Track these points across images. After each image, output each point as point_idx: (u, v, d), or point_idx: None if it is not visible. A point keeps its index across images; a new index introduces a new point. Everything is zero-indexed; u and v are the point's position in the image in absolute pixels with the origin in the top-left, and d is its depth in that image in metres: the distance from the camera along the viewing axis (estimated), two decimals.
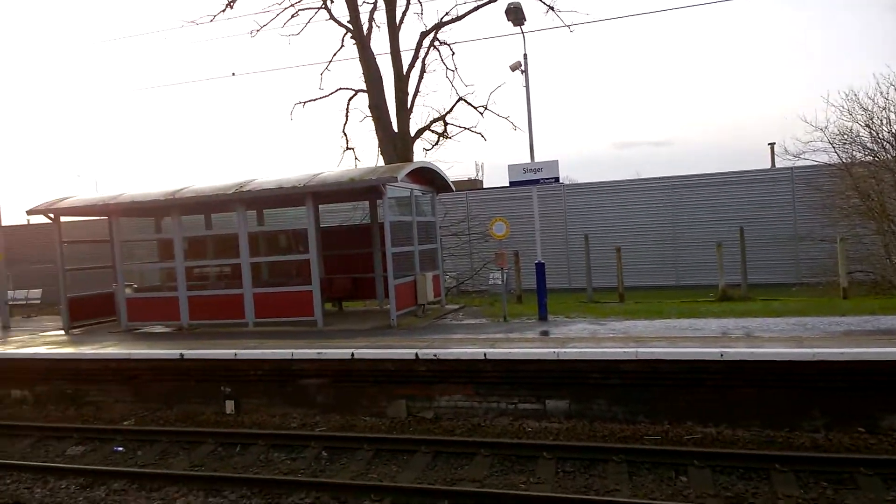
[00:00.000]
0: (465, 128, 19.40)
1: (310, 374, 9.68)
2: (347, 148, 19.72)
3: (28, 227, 25.64)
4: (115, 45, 76.10)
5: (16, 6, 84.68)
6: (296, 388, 9.81)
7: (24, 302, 18.51)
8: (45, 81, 72.28)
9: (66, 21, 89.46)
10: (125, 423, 9.94)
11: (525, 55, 13.41)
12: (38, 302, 18.75)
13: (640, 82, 74.63)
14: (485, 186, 32.49)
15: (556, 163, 12.55)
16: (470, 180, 33.40)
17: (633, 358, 8.31)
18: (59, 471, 7.87)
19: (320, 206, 14.86)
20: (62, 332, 13.94)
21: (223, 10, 18.35)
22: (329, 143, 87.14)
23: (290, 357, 9.73)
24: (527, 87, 13.45)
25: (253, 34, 18.57)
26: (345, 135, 19.63)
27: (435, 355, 8.96)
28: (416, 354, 9.04)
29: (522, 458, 7.39)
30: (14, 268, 18.11)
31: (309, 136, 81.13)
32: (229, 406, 10.03)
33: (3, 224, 16.98)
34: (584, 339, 9.61)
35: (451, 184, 14.82)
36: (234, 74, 29.01)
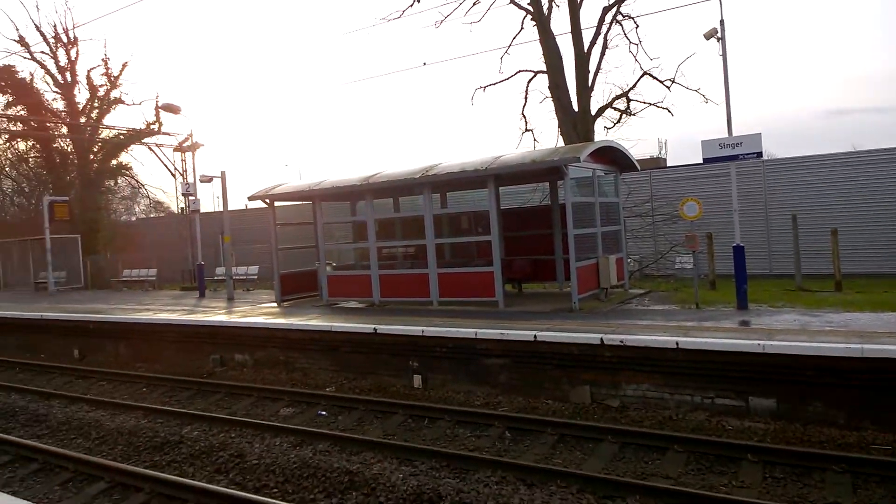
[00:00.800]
0: (650, 103, 18.28)
1: (493, 353, 9.82)
2: (526, 130, 19.62)
3: (246, 211, 29.22)
4: (315, 47, 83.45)
5: (231, 12, 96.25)
6: (479, 366, 10.01)
7: (245, 277, 21.13)
8: (262, 81, 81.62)
9: (273, 25, 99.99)
10: (327, 389, 10.90)
11: (721, 21, 12.21)
12: (256, 277, 21.29)
13: (853, 40, 64.77)
14: (669, 164, 30.47)
15: (758, 136, 11.29)
16: (653, 158, 31.56)
17: (859, 356, 7.23)
18: (274, 429, 8.83)
19: (500, 188, 14.96)
20: (275, 304, 15.68)
21: (411, 5, 19.13)
22: (508, 126, 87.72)
23: (473, 336, 9.94)
24: (724, 55, 12.24)
25: (437, 25, 19.15)
26: (524, 117, 19.54)
27: (621, 341, 8.58)
28: (601, 339, 8.72)
29: (723, 458, 6.81)
30: (235, 247, 20.74)
31: (489, 121, 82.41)
32: (417, 380, 10.54)
33: (229, 209, 19.49)
34: (793, 332, 8.57)
35: (635, 162, 14.06)
36: (424, 64, 30.13)
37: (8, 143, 38.39)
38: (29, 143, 36.65)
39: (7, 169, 42.99)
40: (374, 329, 10.98)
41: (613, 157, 13.40)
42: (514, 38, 18.73)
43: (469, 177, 12.60)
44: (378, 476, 6.89)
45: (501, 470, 6.84)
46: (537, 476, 6.62)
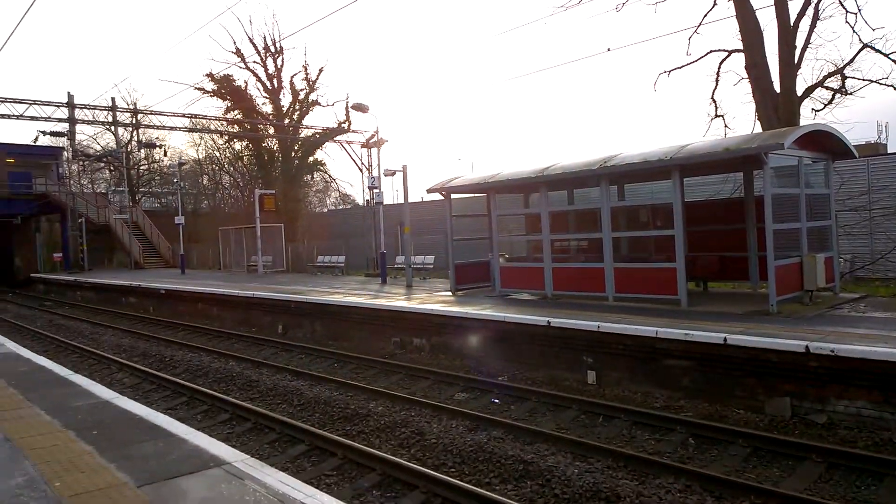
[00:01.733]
0: (871, 80, 15.94)
1: (675, 354, 9.26)
2: (716, 116, 18.19)
3: (424, 203, 30.66)
4: (490, 40, 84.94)
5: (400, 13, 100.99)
6: (659, 367, 9.51)
7: (422, 266, 22.20)
8: (440, 77, 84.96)
9: (450, 21, 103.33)
10: (500, 378, 11.07)
11: None
12: (432, 267, 22.26)
13: None
14: (890, 151, 26.40)
15: None
16: (870, 144, 27.59)
17: None
18: (451, 412, 9.17)
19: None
20: (450, 293, 16.27)
21: None
22: (692, 113, 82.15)
23: (653, 335, 9.45)
24: None
25: (618, 8, 18.42)
26: (714, 101, 18.13)
27: (832, 351, 7.61)
28: (807, 347, 7.81)
29: None
30: (413, 237, 21.83)
31: (671, 108, 77.87)
32: (591, 376, 10.30)
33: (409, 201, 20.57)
34: None
35: (852, 148, 12.34)
36: (609, 50, 29.03)
37: (227, 144, 44.16)
38: (243, 143, 41.83)
39: (226, 166, 49.46)
40: (548, 322, 10.91)
41: (824, 143, 11.89)
42: (706, 15, 17.41)
43: (652, 167, 11.97)
44: (553, 468, 6.85)
45: (686, 478, 6.44)
46: (727, 489, 6.14)
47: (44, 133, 32.41)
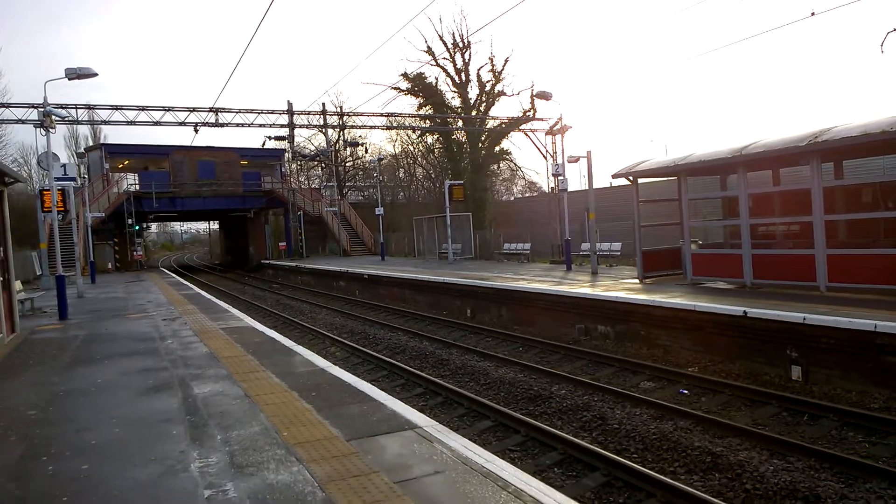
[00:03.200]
0: None
1: None
2: None
3: (610, 189, 29.87)
4: (673, 17, 79.24)
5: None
6: (878, 364, 8.44)
7: (608, 253, 21.74)
8: (625, 59, 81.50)
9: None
10: (689, 369, 10.61)
11: None
12: (618, 254, 21.71)
13: None
14: None
15: None
16: None
17: None
18: (635, 399, 9.05)
19: None
20: (636, 280, 15.81)
21: None
22: None
23: (871, 329, 8.41)
24: None
25: None
26: None
27: None
28: None
29: None
30: (599, 224, 21.45)
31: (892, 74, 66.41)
32: (795, 371, 9.45)
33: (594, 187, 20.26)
34: None
35: None
36: (813, 14, 25.77)
37: (419, 138, 47.01)
38: (434, 136, 44.18)
39: (419, 159, 52.68)
40: (744, 312, 10.19)
41: None
42: None
43: (876, 140, 10.51)
44: (744, 463, 6.52)
45: None
46: None
47: (270, 138, 37.36)
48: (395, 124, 39.51)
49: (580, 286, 15.49)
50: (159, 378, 8.06)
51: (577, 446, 7.18)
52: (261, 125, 33.44)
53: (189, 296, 20.23)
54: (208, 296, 20.35)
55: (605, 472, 6.58)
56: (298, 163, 53.88)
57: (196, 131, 31.61)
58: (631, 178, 15.87)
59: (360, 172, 58.28)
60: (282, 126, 34.13)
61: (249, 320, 13.70)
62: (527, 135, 36.76)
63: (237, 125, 32.47)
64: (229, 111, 31.93)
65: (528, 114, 37.60)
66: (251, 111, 32.86)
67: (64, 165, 19.33)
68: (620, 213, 25.68)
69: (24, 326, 13.76)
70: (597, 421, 8.31)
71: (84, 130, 64.05)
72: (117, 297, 20.39)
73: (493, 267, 24.60)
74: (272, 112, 33.57)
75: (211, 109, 31.16)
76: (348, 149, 52.81)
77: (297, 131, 39.54)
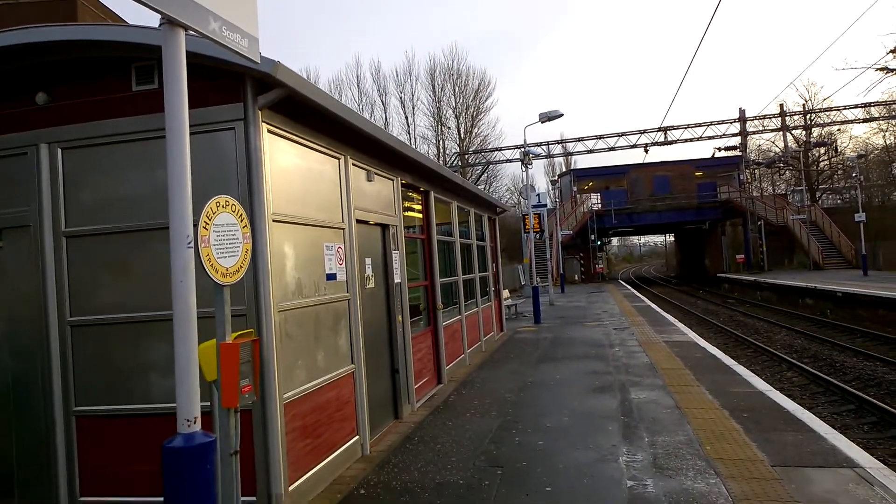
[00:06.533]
0: None
1: None
2: None
3: None
4: None
5: None
6: None
7: None
8: None
9: None
10: None
11: None
12: None
13: None
14: None
15: None
16: None
17: None
18: None
19: None
20: None
21: None
22: None
23: None
24: None
25: None
26: None
27: None
28: None
29: None
30: None
31: None
32: None
33: None
34: None
35: None
36: None
37: None
38: None
39: None
40: None
41: None
42: None
43: None
44: None
45: None
46: None
47: (719, 149, 36.22)
48: (879, 115, 33.06)
49: None
50: (604, 381, 9.17)
51: None
52: (710, 137, 32.83)
53: (640, 308, 21.47)
54: (657, 308, 21.19)
55: None
56: (753, 169, 50.24)
57: (646, 151, 33.18)
58: None
59: (840, 172, 50.40)
60: (733, 135, 32.74)
61: (693, 335, 13.88)
62: None
63: (685, 140, 32.71)
64: (677, 128, 32.50)
65: None
66: (699, 125, 32.59)
67: (539, 195, 23.18)
68: None
69: (509, 328, 17.16)
70: None
71: (559, 157, 73.99)
72: (580, 306, 23.16)
73: None
74: (721, 122, 32.58)
75: (659, 129, 32.30)
76: (821, 148, 46.49)
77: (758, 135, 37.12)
